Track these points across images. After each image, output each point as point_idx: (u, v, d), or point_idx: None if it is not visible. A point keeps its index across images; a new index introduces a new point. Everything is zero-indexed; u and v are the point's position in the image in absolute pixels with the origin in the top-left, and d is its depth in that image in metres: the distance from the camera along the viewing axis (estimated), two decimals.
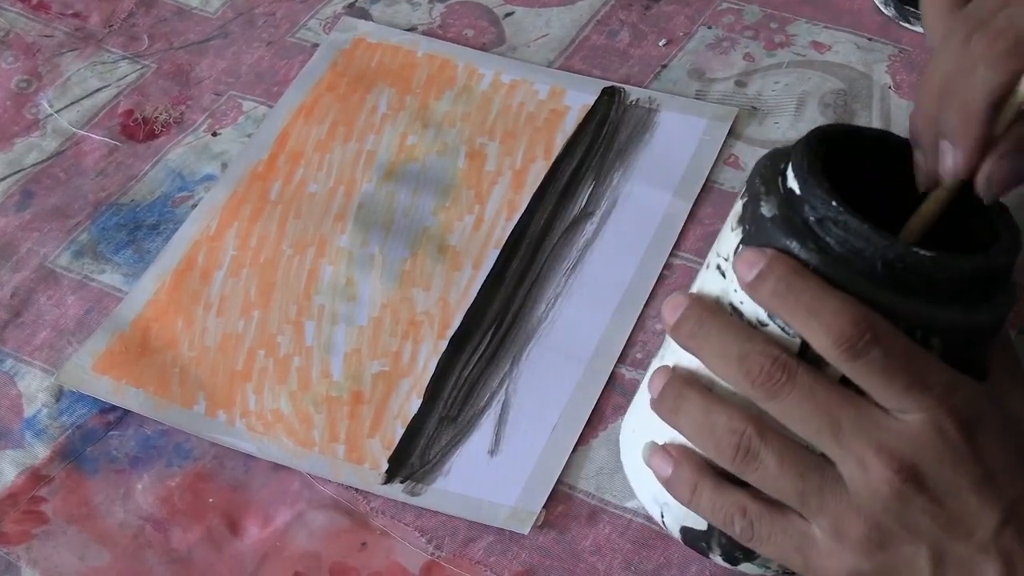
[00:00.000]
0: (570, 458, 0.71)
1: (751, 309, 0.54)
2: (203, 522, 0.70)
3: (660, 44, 0.91)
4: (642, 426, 0.59)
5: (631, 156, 0.84)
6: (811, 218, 0.53)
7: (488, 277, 0.79)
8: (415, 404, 0.74)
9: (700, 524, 0.58)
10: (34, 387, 0.76)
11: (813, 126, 0.84)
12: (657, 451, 0.58)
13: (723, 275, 0.55)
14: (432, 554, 0.68)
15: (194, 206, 0.84)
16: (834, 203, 0.53)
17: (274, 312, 0.78)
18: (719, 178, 0.83)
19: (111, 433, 0.74)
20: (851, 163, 0.56)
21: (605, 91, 0.88)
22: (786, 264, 0.53)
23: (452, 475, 0.71)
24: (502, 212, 0.82)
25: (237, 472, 0.72)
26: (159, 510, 0.70)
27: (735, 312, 0.55)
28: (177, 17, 0.96)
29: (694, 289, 0.58)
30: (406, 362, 0.75)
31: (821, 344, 0.52)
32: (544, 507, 0.69)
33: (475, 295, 0.78)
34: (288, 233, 0.82)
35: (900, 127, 0.84)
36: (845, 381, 0.53)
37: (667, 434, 0.57)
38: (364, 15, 0.95)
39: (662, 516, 0.60)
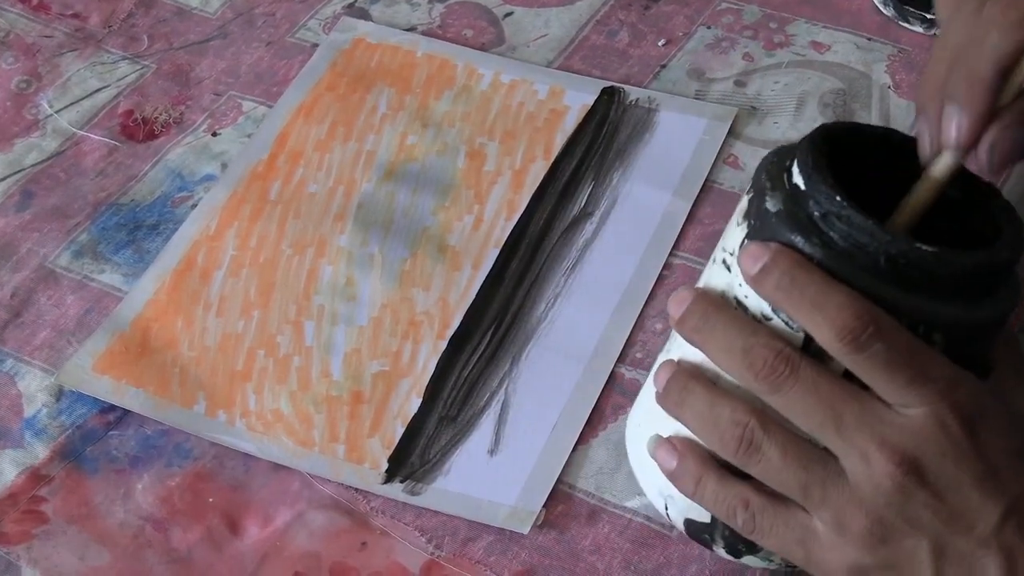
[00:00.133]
0: (570, 457, 0.71)
1: (755, 303, 0.55)
2: (203, 522, 0.70)
3: (659, 44, 0.91)
4: (647, 420, 0.59)
5: (630, 156, 0.85)
6: (815, 213, 0.53)
7: (488, 277, 0.79)
8: (415, 404, 0.74)
9: (704, 516, 0.58)
10: (34, 387, 0.76)
11: (813, 126, 0.84)
12: (662, 444, 0.58)
13: (728, 269, 0.56)
14: (432, 554, 0.68)
15: (194, 206, 0.84)
16: (838, 198, 0.53)
17: (274, 312, 0.78)
18: (719, 178, 0.83)
19: (111, 433, 0.74)
20: (855, 160, 0.57)
21: (604, 91, 0.88)
22: (790, 258, 0.53)
23: (452, 475, 0.71)
24: (502, 212, 0.82)
25: (237, 472, 0.72)
26: (159, 510, 0.70)
27: (740, 306, 0.55)
28: (177, 17, 0.96)
29: (700, 284, 0.58)
30: (406, 362, 0.75)
31: (824, 337, 0.53)
32: (544, 507, 0.69)
33: (475, 295, 0.78)
34: (288, 233, 0.82)
35: (900, 126, 0.85)
36: (848, 376, 0.53)
37: (672, 427, 0.58)
38: (364, 15, 0.95)
39: (666, 508, 0.60)
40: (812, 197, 0.53)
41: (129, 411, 0.74)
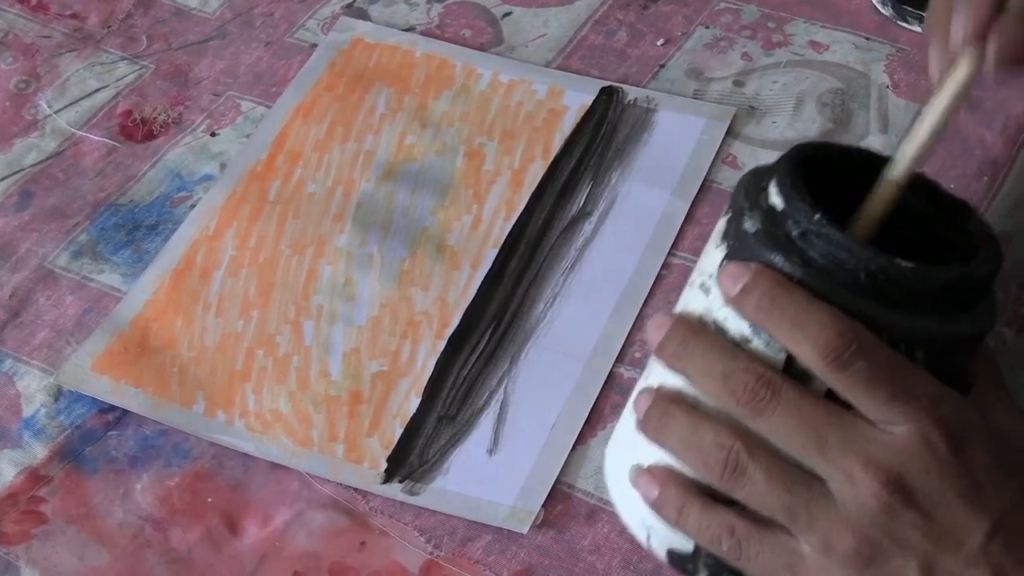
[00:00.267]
0: (569, 457, 0.71)
1: (735, 326, 0.54)
2: (202, 522, 0.70)
3: (658, 44, 0.92)
4: (626, 450, 0.59)
5: (629, 156, 0.85)
6: (794, 232, 0.53)
7: (487, 277, 0.79)
8: (414, 403, 0.74)
9: (686, 546, 0.57)
10: (33, 387, 0.76)
11: (811, 125, 0.85)
12: (643, 473, 0.57)
13: (707, 293, 0.55)
14: (431, 553, 0.68)
15: (193, 206, 0.84)
16: (816, 216, 0.53)
17: (273, 312, 0.78)
18: (717, 177, 0.83)
19: (110, 433, 0.74)
20: (831, 180, 0.57)
21: (603, 91, 0.88)
22: (770, 277, 0.53)
23: (451, 474, 0.71)
24: (500, 212, 0.82)
25: (236, 472, 0.72)
26: (158, 510, 0.70)
27: (719, 329, 0.55)
28: (175, 18, 0.96)
29: (678, 308, 0.58)
30: (405, 361, 0.75)
31: (807, 356, 0.52)
32: (543, 506, 0.69)
33: (473, 294, 0.78)
34: (287, 233, 0.82)
35: (898, 126, 0.85)
36: (831, 397, 0.53)
37: (652, 456, 0.57)
38: (362, 15, 0.95)
39: (648, 539, 0.59)
40: (790, 216, 0.53)
41: (128, 411, 0.74)
